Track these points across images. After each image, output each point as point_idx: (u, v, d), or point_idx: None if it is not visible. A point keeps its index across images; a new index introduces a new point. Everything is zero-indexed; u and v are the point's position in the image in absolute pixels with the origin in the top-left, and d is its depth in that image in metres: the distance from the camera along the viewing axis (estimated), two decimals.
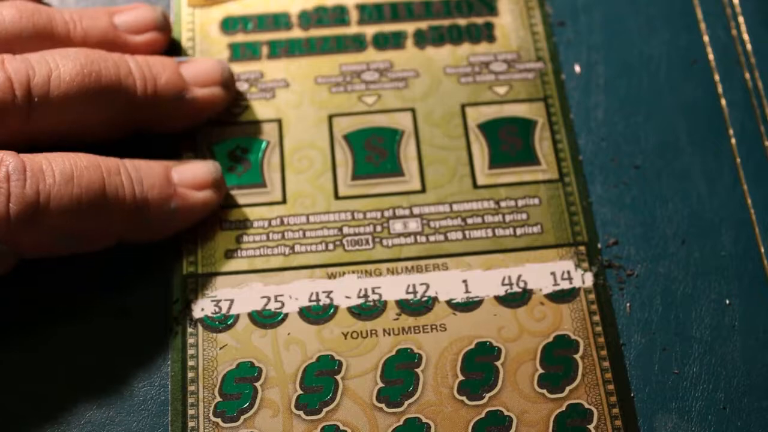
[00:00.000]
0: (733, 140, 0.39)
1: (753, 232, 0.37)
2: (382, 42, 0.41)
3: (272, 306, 0.35)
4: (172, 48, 0.40)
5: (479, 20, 0.41)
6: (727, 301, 0.35)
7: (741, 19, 0.41)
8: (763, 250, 0.36)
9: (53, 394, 0.33)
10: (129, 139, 0.37)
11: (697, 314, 0.35)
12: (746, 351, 0.35)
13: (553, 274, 0.36)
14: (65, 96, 0.34)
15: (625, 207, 0.37)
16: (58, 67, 0.34)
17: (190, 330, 0.35)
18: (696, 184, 0.38)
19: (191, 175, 0.36)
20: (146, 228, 0.35)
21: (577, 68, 0.40)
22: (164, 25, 0.39)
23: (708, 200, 0.37)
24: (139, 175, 0.34)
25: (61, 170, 0.32)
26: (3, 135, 0.33)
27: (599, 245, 0.36)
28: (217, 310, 0.35)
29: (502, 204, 0.37)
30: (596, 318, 0.35)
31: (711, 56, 0.41)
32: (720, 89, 0.40)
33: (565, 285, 0.36)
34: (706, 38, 0.41)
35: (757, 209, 0.37)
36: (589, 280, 0.36)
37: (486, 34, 0.41)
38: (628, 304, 0.35)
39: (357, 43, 0.41)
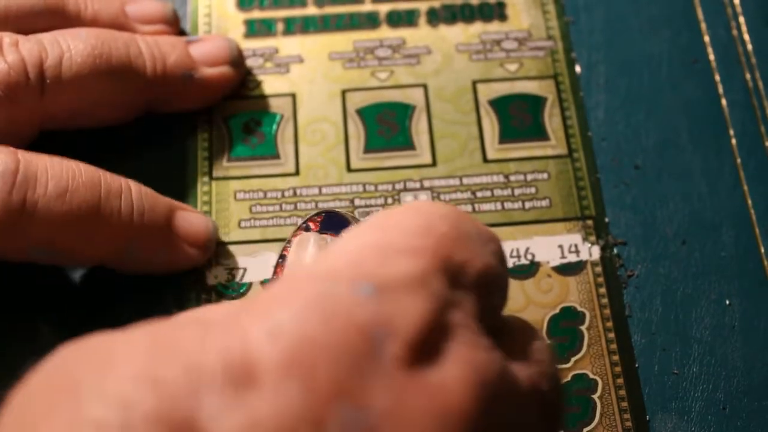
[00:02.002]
0: (734, 140, 0.39)
1: (753, 233, 0.37)
2: (396, 19, 0.42)
3: None
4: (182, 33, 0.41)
5: None
6: (728, 302, 0.36)
7: (742, 18, 0.41)
8: (763, 250, 0.36)
9: None
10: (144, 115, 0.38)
11: (697, 314, 0.35)
12: (746, 351, 0.35)
13: (560, 247, 0.36)
14: (77, 77, 0.34)
15: (625, 207, 0.37)
16: (70, 49, 0.34)
17: (203, 296, 0.35)
18: (696, 184, 0.38)
19: (191, 223, 0.35)
20: (129, 258, 0.34)
21: (578, 68, 0.40)
22: (173, 20, 0.39)
23: (708, 200, 0.37)
24: (142, 203, 0.33)
25: (56, 181, 0.31)
26: (17, 114, 0.34)
27: (606, 219, 0.37)
28: (230, 277, 0.36)
29: (512, 178, 0.38)
30: (602, 290, 0.36)
31: (712, 56, 0.41)
32: (721, 89, 0.40)
33: (572, 258, 0.36)
34: (706, 38, 0.41)
35: (758, 209, 0.37)
36: (596, 253, 0.36)
37: (498, 12, 0.42)
38: (628, 305, 0.35)
39: (371, 21, 0.42)
